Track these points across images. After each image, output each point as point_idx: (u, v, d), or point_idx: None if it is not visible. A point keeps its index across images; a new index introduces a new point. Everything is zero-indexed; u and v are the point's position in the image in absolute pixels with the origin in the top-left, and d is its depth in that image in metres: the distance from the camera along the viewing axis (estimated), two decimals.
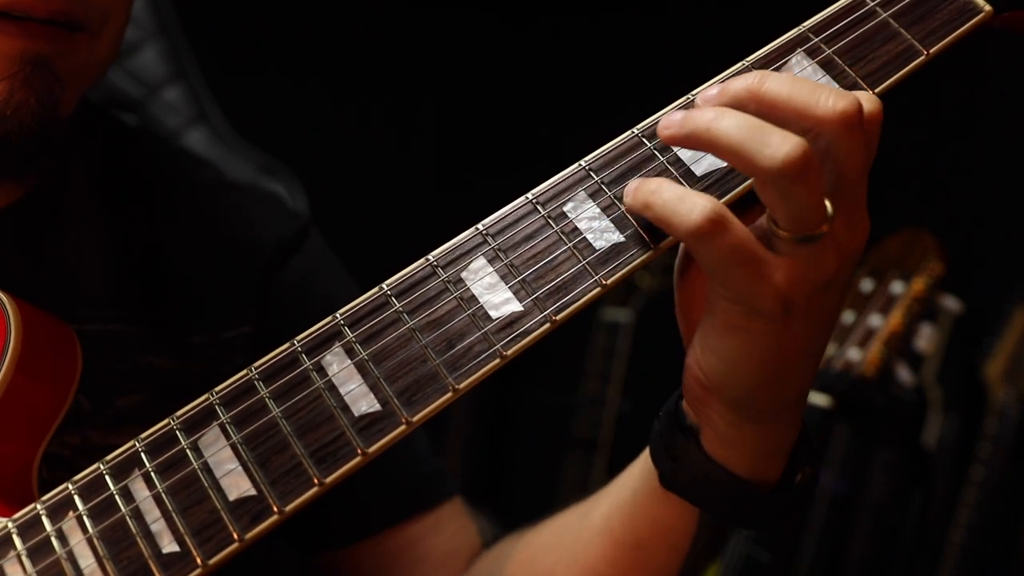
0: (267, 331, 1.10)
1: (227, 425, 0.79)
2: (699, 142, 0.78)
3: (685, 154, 0.82)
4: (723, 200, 0.80)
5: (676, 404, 0.89)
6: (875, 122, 0.79)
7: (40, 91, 0.97)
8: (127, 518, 0.79)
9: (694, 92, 0.84)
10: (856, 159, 0.77)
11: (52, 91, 0.98)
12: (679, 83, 0.89)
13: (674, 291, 0.88)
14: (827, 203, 0.77)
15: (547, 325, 0.79)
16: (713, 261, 0.77)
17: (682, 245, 0.84)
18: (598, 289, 0.80)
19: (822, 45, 0.85)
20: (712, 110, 0.78)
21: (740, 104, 0.78)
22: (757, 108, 0.78)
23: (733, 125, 0.76)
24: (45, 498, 0.81)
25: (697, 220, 0.75)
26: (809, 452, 0.90)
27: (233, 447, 0.79)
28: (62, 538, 0.79)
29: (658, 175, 0.82)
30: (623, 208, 0.81)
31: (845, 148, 0.77)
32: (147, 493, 0.79)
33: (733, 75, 0.85)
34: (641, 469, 0.95)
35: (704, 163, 0.82)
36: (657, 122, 0.83)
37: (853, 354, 1.94)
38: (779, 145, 0.74)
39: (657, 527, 0.94)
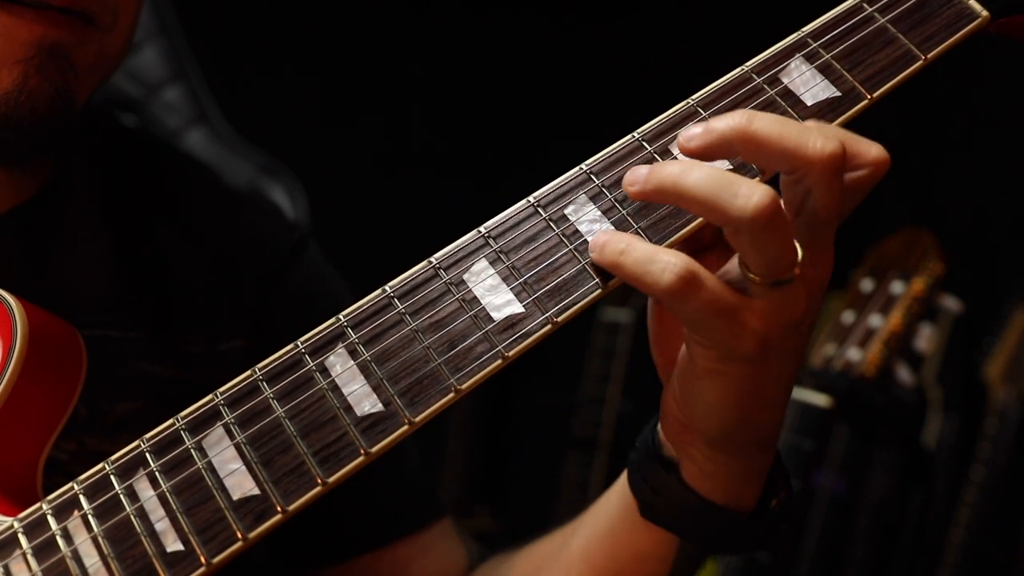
0: (261, 344, 1.10)
1: (231, 425, 0.80)
2: (667, 196, 0.78)
3: (684, 159, 0.83)
4: None
5: (652, 436, 0.90)
6: (886, 168, 0.81)
7: (55, 78, 0.97)
8: (132, 517, 0.79)
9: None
10: (833, 201, 0.77)
11: (67, 79, 0.98)
12: (680, 86, 0.89)
13: (648, 328, 0.89)
14: (797, 246, 0.77)
15: (548, 327, 0.80)
16: (690, 317, 0.78)
17: None
18: (599, 291, 0.80)
19: (820, 50, 0.85)
20: (677, 164, 0.77)
21: (726, 142, 0.77)
22: (744, 147, 0.77)
23: (701, 179, 0.76)
24: (50, 497, 0.81)
25: (670, 281, 0.75)
26: (782, 477, 0.91)
27: (237, 447, 0.79)
28: (67, 537, 0.79)
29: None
30: (624, 211, 0.82)
31: (826, 190, 0.77)
32: (152, 492, 0.79)
33: (731, 80, 0.85)
34: (619, 498, 0.95)
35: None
36: (658, 125, 0.84)
37: (853, 354, 1.95)
38: (748, 196, 0.74)
39: (636, 555, 0.95)
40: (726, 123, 0.77)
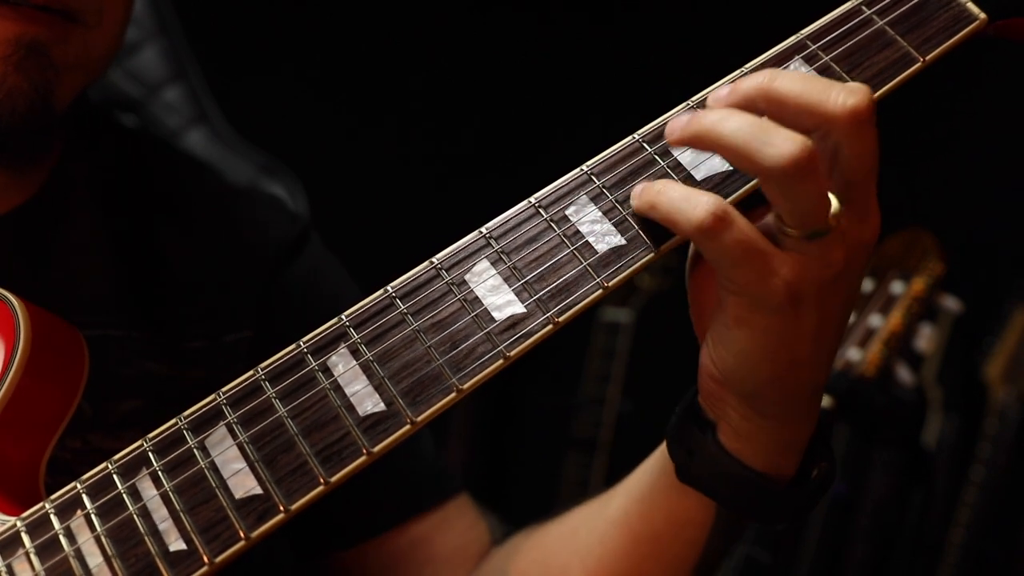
0: (269, 335, 1.10)
1: (234, 425, 0.80)
2: (705, 143, 0.79)
3: (685, 158, 0.83)
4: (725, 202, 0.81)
5: (692, 398, 0.90)
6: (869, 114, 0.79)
7: (34, 76, 0.96)
8: (135, 516, 0.79)
9: (702, 94, 0.85)
10: (866, 155, 0.78)
11: (46, 77, 0.98)
12: (680, 88, 0.90)
13: (687, 289, 0.89)
14: (833, 199, 0.78)
15: (549, 327, 0.80)
16: (719, 257, 0.78)
17: (691, 245, 0.85)
18: (600, 291, 0.81)
19: (820, 52, 0.86)
20: (717, 112, 0.78)
21: (751, 102, 0.79)
22: (767, 106, 0.78)
23: (737, 126, 0.77)
24: (53, 497, 0.82)
25: (701, 216, 0.76)
26: (825, 448, 0.91)
27: (240, 446, 0.79)
28: (70, 536, 0.80)
29: (658, 180, 0.83)
30: (625, 212, 0.82)
31: (855, 145, 0.77)
32: (154, 492, 0.80)
33: (736, 79, 0.86)
34: (658, 462, 0.96)
35: (704, 167, 0.83)
36: (659, 127, 0.84)
37: (853, 354, 1.95)
38: (782, 144, 0.75)
39: (674, 520, 0.96)
40: (751, 82, 0.79)
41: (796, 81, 0.77)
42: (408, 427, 0.79)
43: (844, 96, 0.76)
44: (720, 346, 0.83)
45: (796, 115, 0.78)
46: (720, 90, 0.81)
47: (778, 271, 0.78)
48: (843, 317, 0.83)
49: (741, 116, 0.77)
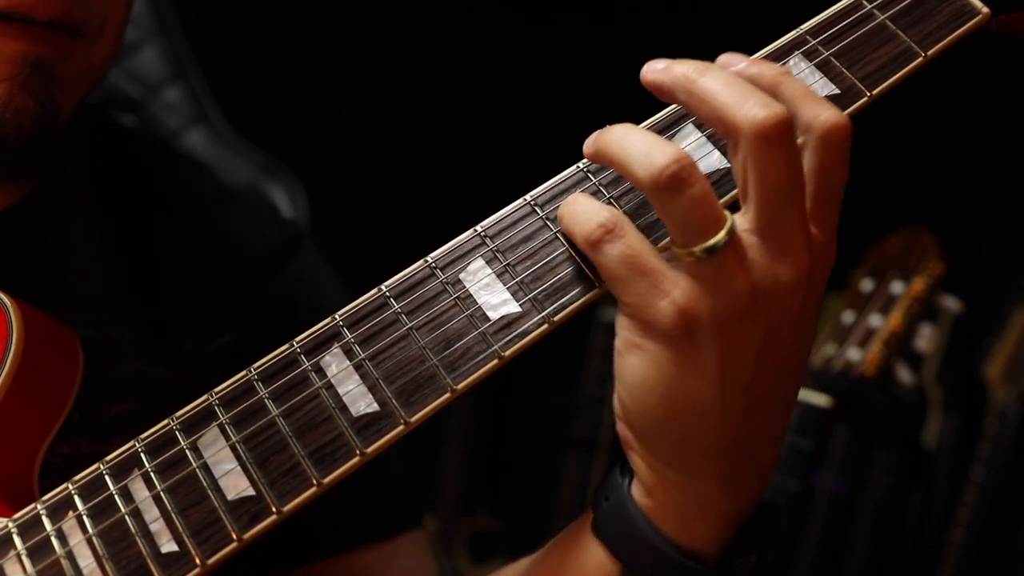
0: (250, 340, 1.09)
1: (226, 425, 0.79)
2: (601, 159, 0.79)
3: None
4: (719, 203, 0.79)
5: None
6: (839, 135, 0.76)
7: (40, 95, 0.96)
8: (126, 518, 0.79)
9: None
10: (772, 176, 0.73)
11: (52, 95, 0.97)
12: None
13: None
14: (728, 217, 0.74)
15: (545, 326, 0.79)
16: (607, 269, 0.76)
17: None
18: (596, 290, 0.80)
19: (820, 47, 0.85)
20: (621, 126, 0.78)
21: (676, 86, 0.77)
22: (686, 98, 0.77)
23: (625, 140, 0.76)
24: (45, 498, 0.81)
25: (590, 228, 0.75)
26: (765, 539, 0.83)
27: (232, 447, 0.79)
28: (62, 538, 0.79)
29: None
30: (621, 210, 0.82)
31: (758, 162, 0.73)
32: (146, 493, 0.79)
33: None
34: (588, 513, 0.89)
35: (703, 164, 0.82)
36: (658, 123, 0.84)
37: (853, 354, 1.95)
38: (655, 157, 0.72)
39: (576, 573, 0.86)
40: (681, 69, 0.77)
41: (718, 81, 0.75)
42: (402, 428, 0.78)
43: (757, 108, 0.72)
44: (617, 376, 0.79)
45: (708, 116, 0.76)
46: (656, 61, 0.79)
47: (668, 292, 0.74)
48: (763, 368, 0.76)
49: (634, 131, 0.76)
